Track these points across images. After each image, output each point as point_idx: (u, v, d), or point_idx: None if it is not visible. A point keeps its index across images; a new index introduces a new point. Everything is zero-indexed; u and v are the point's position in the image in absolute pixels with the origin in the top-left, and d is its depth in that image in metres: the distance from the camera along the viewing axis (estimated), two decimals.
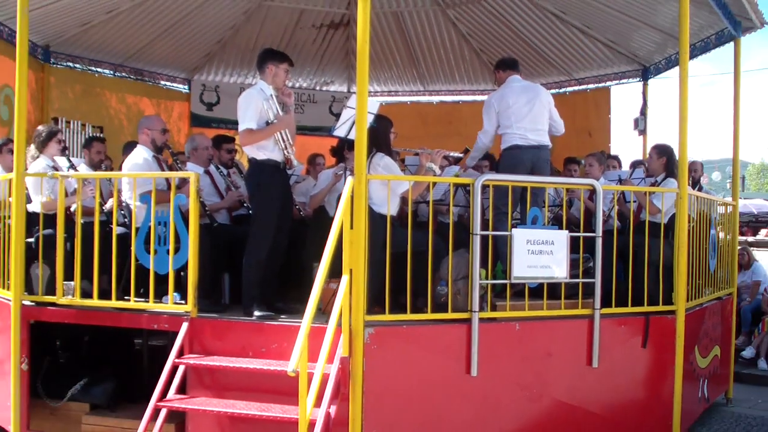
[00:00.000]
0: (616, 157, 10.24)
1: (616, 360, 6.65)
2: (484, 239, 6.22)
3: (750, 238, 16.80)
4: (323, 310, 6.19)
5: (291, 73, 6.98)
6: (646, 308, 6.84)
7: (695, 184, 10.77)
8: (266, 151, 6.67)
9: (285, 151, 6.71)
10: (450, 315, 6.09)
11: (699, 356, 7.65)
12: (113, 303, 6.53)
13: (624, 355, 6.74)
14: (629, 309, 6.78)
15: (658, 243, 7.11)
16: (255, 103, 6.60)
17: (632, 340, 6.78)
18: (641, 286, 6.87)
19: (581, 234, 6.71)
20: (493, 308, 6.32)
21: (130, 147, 7.78)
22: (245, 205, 7.87)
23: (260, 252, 6.61)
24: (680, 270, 7.00)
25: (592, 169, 8.57)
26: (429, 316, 6.04)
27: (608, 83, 12.71)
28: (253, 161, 6.81)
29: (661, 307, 6.93)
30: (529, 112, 7.42)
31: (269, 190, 6.65)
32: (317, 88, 14.40)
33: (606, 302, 6.59)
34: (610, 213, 7.72)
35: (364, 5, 5.70)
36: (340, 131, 6.88)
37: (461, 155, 8.04)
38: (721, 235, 8.91)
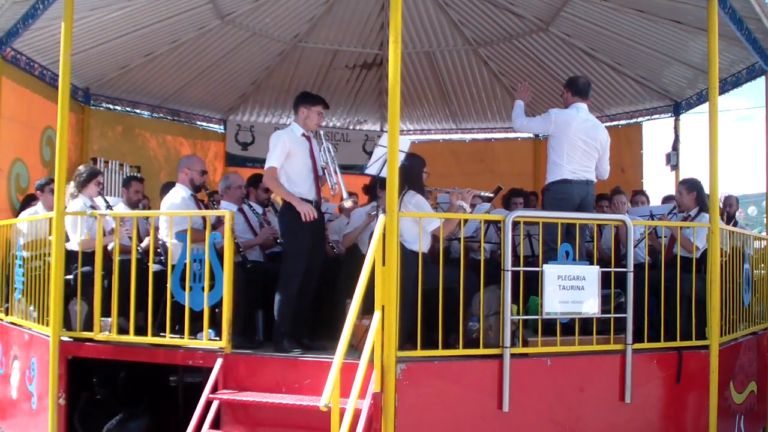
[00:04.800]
0: (643, 192, 10.24)
1: (649, 395, 6.62)
2: (516, 275, 6.25)
3: None
4: (356, 347, 6.24)
5: (324, 111, 7.11)
6: (679, 343, 6.81)
7: (730, 218, 10.73)
8: (296, 189, 6.80)
9: (335, 187, 6.88)
10: (482, 351, 6.10)
11: (734, 392, 7.58)
12: (149, 339, 6.62)
13: (657, 390, 6.69)
14: (662, 344, 6.75)
15: (690, 277, 7.09)
16: (283, 144, 6.76)
17: (665, 375, 6.73)
18: (674, 321, 6.85)
19: (612, 269, 6.71)
20: (525, 344, 6.32)
21: (167, 188, 7.93)
22: (279, 242, 7.97)
23: (290, 288, 6.70)
24: (713, 304, 6.96)
25: (624, 206, 8.64)
26: (461, 351, 6.05)
27: (640, 119, 12.72)
28: (284, 200, 6.94)
29: (694, 342, 6.89)
30: (584, 147, 7.28)
31: (299, 228, 6.75)
32: (350, 127, 14.56)
33: (638, 337, 6.58)
34: (637, 245, 7.68)
35: (396, 46, 5.80)
36: (372, 169, 6.96)
37: (492, 195, 8.05)
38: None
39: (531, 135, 13.86)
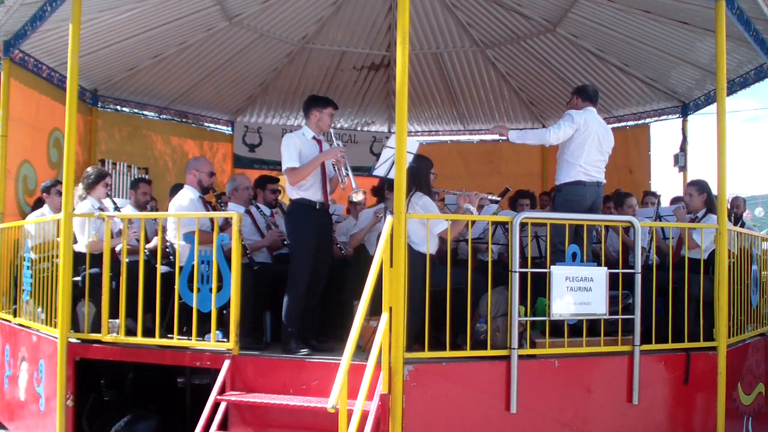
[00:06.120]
0: (654, 194, 10.23)
1: (657, 397, 6.61)
2: (523, 276, 6.25)
3: None
4: (363, 348, 6.24)
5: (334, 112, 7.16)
6: (686, 344, 6.80)
7: (738, 219, 10.70)
8: (301, 190, 6.85)
9: (345, 180, 6.89)
10: (489, 352, 6.10)
11: (742, 393, 7.56)
12: (157, 341, 6.64)
13: (665, 391, 6.68)
14: (669, 345, 6.75)
15: (698, 278, 7.08)
16: (294, 144, 6.79)
17: (673, 376, 6.72)
18: (681, 323, 6.83)
19: (620, 270, 6.70)
20: (533, 345, 6.32)
21: (176, 189, 7.93)
22: (286, 243, 7.98)
23: (297, 289, 6.71)
24: (721, 305, 6.95)
25: (634, 209, 8.65)
26: (468, 353, 6.05)
27: (647, 120, 12.70)
28: (291, 201, 6.97)
29: (702, 344, 6.88)
30: (598, 148, 7.38)
31: (304, 229, 6.78)
32: (358, 128, 14.56)
33: (646, 339, 6.56)
34: (649, 249, 7.68)
35: (403, 47, 5.80)
36: (380, 171, 6.95)
37: (499, 198, 8.06)
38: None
39: None
